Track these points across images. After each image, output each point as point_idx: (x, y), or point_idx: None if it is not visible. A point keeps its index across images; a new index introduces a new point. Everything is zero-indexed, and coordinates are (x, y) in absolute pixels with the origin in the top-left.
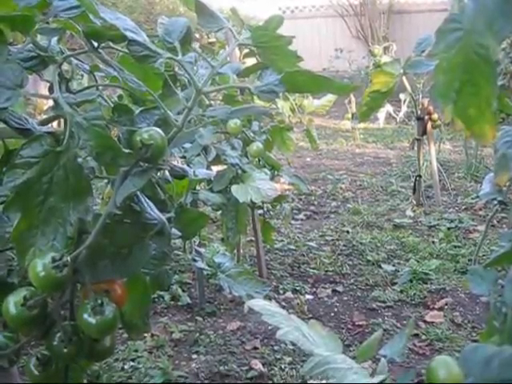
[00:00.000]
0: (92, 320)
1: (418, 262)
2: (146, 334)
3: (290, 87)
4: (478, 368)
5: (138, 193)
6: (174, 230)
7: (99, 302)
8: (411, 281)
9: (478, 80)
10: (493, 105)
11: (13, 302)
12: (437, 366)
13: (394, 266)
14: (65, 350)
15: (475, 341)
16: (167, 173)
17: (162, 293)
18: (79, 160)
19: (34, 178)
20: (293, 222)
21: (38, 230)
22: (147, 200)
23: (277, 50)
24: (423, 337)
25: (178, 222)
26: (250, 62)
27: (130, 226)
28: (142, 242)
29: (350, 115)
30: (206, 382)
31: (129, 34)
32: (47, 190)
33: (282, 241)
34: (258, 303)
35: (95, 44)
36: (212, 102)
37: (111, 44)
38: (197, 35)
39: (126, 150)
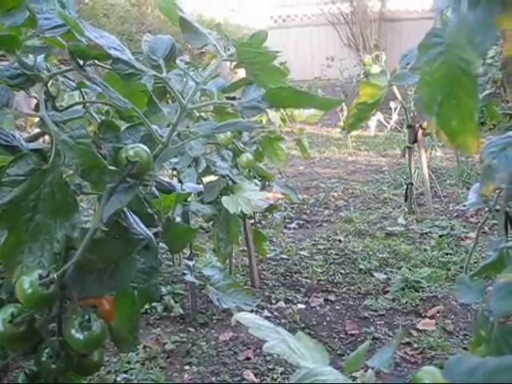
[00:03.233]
0: (79, 336)
1: (409, 269)
2: (138, 346)
3: (273, 103)
4: (462, 379)
5: (125, 208)
6: (162, 244)
7: (87, 317)
8: (403, 289)
9: (459, 93)
10: (475, 117)
11: (0, 319)
12: (422, 375)
13: (385, 274)
14: (53, 366)
15: (466, 348)
16: (154, 188)
17: (154, 304)
18: (65, 177)
19: (21, 195)
20: (285, 230)
21: (25, 247)
22: (134, 215)
23: (261, 66)
24: (415, 345)
25: (166, 236)
26: (241, 72)
27: (117, 242)
28: (129, 257)
29: (342, 123)
30: None
31: (113, 53)
32: (34, 208)
33: (275, 250)
34: (246, 316)
35: (81, 62)
36: (203, 114)
37: (97, 62)
38: (189, 45)
39: (112, 167)
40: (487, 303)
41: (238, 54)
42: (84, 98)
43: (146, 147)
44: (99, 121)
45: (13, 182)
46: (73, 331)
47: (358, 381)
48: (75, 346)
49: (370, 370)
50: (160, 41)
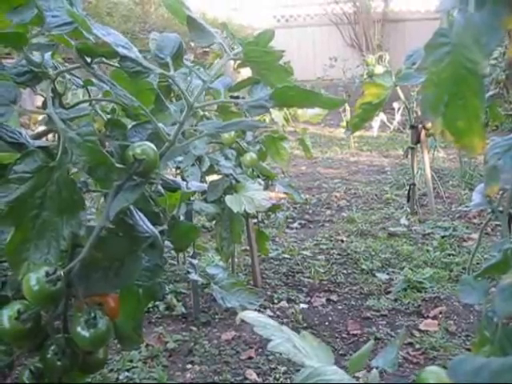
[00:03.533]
0: (85, 333)
1: (412, 270)
2: (140, 344)
3: (279, 102)
4: (466, 379)
5: (131, 206)
6: (167, 243)
7: (92, 314)
8: (405, 289)
9: (466, 93)
10: (481, 117)
11: (6, 316)
12: (427, 375)
13: (388, 274)
14: (58, 363)
15: (469, 349)
16: (160, 186)
17: (157, 302)
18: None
19: (28, 192)
20: (287, 230)
21: (31, 244)
22: (140, 213)
23: (267, 65)
24: (417, 345)
25: (171, 234)
26: (244, 71)
27: (123, 240)
28: (135, 255)
29: (344, 123)
30: None
31: (121, 51)
32: (41, 205)
33: (277, 250)
34: (250, 315)
35: (88, 60)
36: (207, 113)
37: (104, 60)
38: (192, 44)
39: (119, 165)
40: (491, 304)
41: (245, 52)
42: (90, 96)
43: (152, 145)
44: (105, 119)
45: (20, 179)
46: (79, 328)
47: (361, 381)
48: (81, 343)
49: (374, 370)
50: (167, 39)
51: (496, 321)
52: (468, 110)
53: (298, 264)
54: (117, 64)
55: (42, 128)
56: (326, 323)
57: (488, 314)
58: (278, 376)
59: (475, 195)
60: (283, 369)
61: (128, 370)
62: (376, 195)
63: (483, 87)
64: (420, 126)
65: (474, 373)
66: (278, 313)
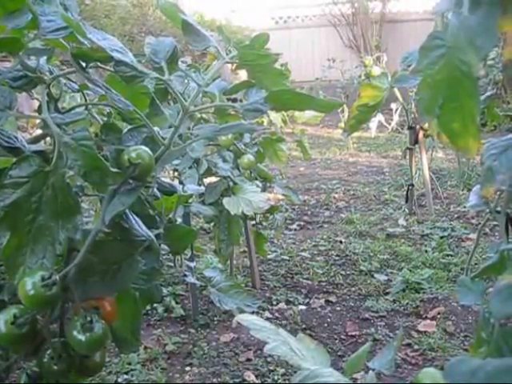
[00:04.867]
0: (81, 337)
1: (410, 271)
2: (139, 347)
3: (275, 105)
4: (462, 380)
5: (127, 210)
6: (163, 246)
7: (88, 318)
8: (404, 290)
9: (461, 95)
10: (476, 119)
11: (3, 320)
12: (423, 377)
13: (386, 275)
14: (55, 367)
15: (467, 350)
16: (156, 189)
17: (155, 305)
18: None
19: (24, 197)
20: (286, 231)
21: (27, 249)
22: (135, 217)
23: (263, 68)
24: (416, 346)
25: (167, 237)
26: (243, 73)
27: (119, 243)
28: (131, 259)
29: (343, 124)
30: None
31: (115, 55)
32: (36, 209)
33: (276, 251)
34: (247, 318)
35: (83, 64)
36: (204, 116)
37: (99, 64)
38: (190, 46)
39: (114, 169)
40: (488, 305)
41: (240, 56)
42: (86, 100)
43: (148, 149)
44: (101, 122)
45: (15, 183)
46: (75, 332)
47: (359, 382)
48: (77, 347)
49: (370, 372)
50: (162, 43)
51: (493, 322)
52: (463, 112)
53: (296, 265)
54: (112, 69)
55: (39, 131)
56: (325, 324)
57: (485, 314)
58: (276, 378)
59: (472, 196)
60: (282, 371)
61: (127, 373)
62: (375, 196)
63: (478, 89)
64: (418, 126)
65: (470, 374)
66: (276, 314)
